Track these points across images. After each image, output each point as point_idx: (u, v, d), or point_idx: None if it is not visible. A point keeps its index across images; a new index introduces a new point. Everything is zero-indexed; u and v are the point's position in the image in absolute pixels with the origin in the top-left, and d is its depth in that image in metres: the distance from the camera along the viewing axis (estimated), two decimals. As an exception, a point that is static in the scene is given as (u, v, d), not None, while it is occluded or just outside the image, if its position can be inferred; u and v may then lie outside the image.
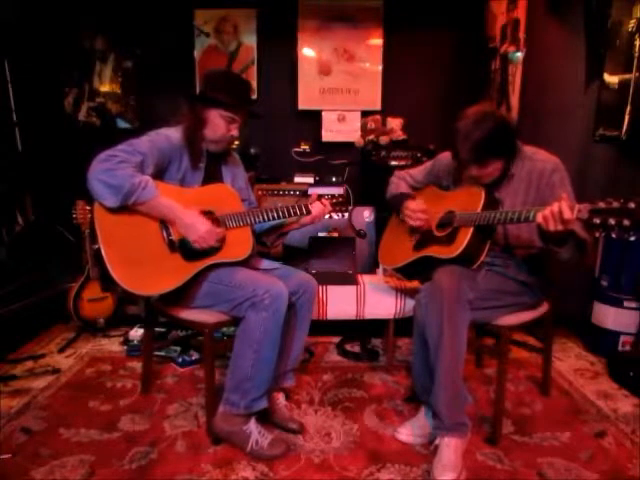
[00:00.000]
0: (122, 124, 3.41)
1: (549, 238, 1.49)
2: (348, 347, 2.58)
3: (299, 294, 1.85)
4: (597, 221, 1.29)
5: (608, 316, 2.43)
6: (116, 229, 1.64)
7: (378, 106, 3.35)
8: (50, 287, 2.78)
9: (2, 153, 2.97)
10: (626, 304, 2.37)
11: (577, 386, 2.19)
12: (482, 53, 3.20)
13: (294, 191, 2.88)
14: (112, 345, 2.60)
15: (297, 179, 2.99)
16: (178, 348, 2.44)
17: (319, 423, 1.88)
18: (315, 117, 3.39)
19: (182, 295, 1.73)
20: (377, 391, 2.14)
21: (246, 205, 1.93)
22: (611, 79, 2.44)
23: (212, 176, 1.86)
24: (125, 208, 1.61)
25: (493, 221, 1.61)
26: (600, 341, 2.48)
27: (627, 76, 2.33)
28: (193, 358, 2.38)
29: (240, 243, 1.76)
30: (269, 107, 3.26)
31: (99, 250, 1.63)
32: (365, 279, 2.41)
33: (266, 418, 1.82)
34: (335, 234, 2.64)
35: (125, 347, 2.52)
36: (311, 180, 2.96)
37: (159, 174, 1.71)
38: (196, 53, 3.34)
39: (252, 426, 1.70)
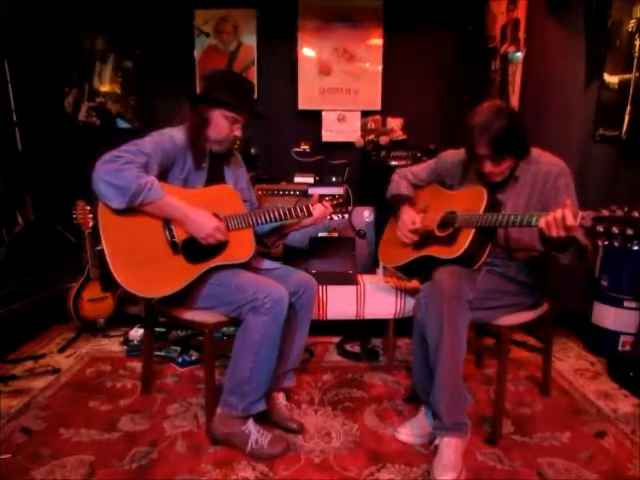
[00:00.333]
0: (122, 124, 3.41)
1: (550, 243, 1.48)
2: (348, 347, 2.58)
3: (299, 294, 1.85)
4: (600, 229, 1.28)
5: (608, 316, 2.43)
6: (120, 230, 1.64)
7: (378, 106, 3.35)
8: (50, 287, 2.78)
9: (2, 153, 2.97)
10: (626, 304, 2.37)
11: (577, 386, 2.19)
12: (482, 53, 3.20)
13: (294, 191, 2.88)
14: (112, 345, 2.60)
15: (297, 179, 2.99)
16: (178, 348, 2.44)
17: (319, 423, 1.88)
18: (315, 117, 3.39)
19: (183, 297, 1.73)
20: (377, 391, 2.14)
21: (247, 206, 1.93)
22: (611, 79, 2.44)
23: (215, 177, 1.86)
24: (129, 209, 1.61)
25: (495, 223, 1.60)
26: (600, 341, 2.48)
27: (627, 76, 2.33)
28: (193, 358, 2.38)
29: (242, 245, 1.76)
30: (269, 107, 3.26)
31: (102, 251, 1.63)
32: (365, 279, 2.41)
33: (266, 418, 1.82)
34: (335, 234, 2.64)
35: (125, 347, 2.52)
36: (311, 180, 2.96)
37: (163, 174, 1.71)
38: (196, 53, 3.34)
39: (251, 426, 1.70)
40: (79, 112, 3.37)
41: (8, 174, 2.98)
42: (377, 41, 3.31)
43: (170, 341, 2.47)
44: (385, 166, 2.85)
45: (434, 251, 1.81)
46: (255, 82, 3.33)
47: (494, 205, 1.71)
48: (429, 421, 1.75)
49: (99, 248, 1.64)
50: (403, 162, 2.85)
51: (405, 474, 1.60)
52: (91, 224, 2.56)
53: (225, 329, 2.48)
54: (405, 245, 1.97)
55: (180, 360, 2.36)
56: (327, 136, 3.39)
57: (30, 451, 1.68)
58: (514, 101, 2.83)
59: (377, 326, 2.47)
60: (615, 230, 1.25)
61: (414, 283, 2.28)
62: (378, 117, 3.19)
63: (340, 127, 3.39)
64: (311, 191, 2.78)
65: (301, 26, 3.28)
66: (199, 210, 1.68)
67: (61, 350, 2.51)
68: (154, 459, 1.65)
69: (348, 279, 2.36)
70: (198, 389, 2.11)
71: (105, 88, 3.38)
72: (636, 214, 1.23)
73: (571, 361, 2.46)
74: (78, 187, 2.50)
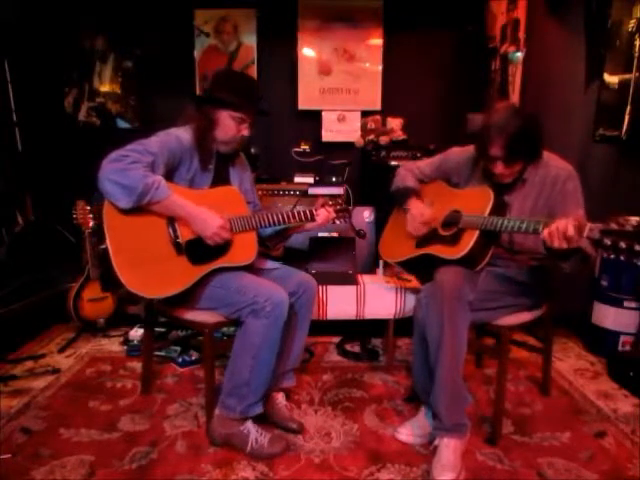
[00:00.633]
0: (122, 124, 3.41)
1: (553, 252, 1.46)
2: (348, 347, 2.58)
3: (299, 294, 1.85)
4: (608, 242, 1.26)
5: (608, 316, 2.43)
6: (124, 230, 1.64)
7: (378, 106, 3.35)
8: (50, 287, 2.78)
9: (2, 153, 2.97)
10: (626, 304, 2.37)
11: (577, 386, 2.19)
12: (482, 53, 3.20)
13: (294, 191, 2.88)
14: (112, 345, 2.60)
15: (297, 179, 2.98)
16: (178, 348, 2.44)
17: (319, 423, 1.88)
18: (315, 117, 3.39)
19: (184, 298, 1.73)
20: (377, 391, 2.14)
21: (251, 208, 1.93)
22: (611, 79, 2.44)
23: (220, 178, 1.86)
24: (135, 209, 1.60)
25: (500, 228, 1.59)
26: (600, 341, 2.48)
27: (627, 76, 2.33)
28: (193, 358, 2.38)
29: (245, 247, 1.76)
30: (269, 107, 3.25)
31: (106, 250, 1.63)
32: (365, 279, 2.41)
33: (265, 418, 1.82)
34: (335, 234, 2.64)
35: (125, 347, 2.52)
36: (311, 180, 2.96)
37: (169, 174, 1.70)
38: (196, 53, 3.34)
39: (249, 426, 1.70)
40: (79, 112, 3.37)
41: (8, 174, 2.99)
42: (377, 41, 3.31)
43: (170, 341, 2.47)
44: (385, 166, 2.85)
45: (436, 250, 1.80)
46: (255, 82, 3.34)
47: (500, 207, 1.70)
48: (429, 421, 1.75)
49: (103, 247, 1.64)
50: (403, 162, 2.84)
51: (405, 474, 1.60)
52: (91, 224, 2.56)
53: (225, 329, 2.48)
54: (407, 241, 1.95)
55: (180, 360, 2.36)
56: (327, 136, 3.40)
57: (30, 451, 1.68)
58: (514, 101, 2.83)
59: (377, 326, 2.47)
60: (622, 245, 1.23)
61: (414, 283, 2.28)
62: (378, 117, 3.19)
63: (340, 127, 3.39)
64: (311, 191, 2.79)
65: (301, 26, 3.28)
66: (205, 209, 1.68)
67: (61, 350, 2.51)
68: (154, 459, 1.65)
69: (348, 279, 2.36)
70: (198, 389, 2.11)
71: (105, 88, 3.38)
72: None
73: (571, 361, 2.46)
74: (78, 187, 2.51)
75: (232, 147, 1.83)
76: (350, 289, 2.32)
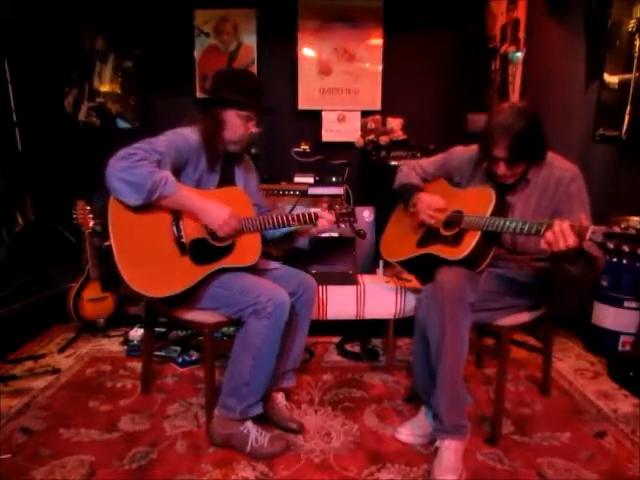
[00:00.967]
0: (122, 124, 3.40)
1: (557, 256, 1.44)
2: (348, 347, 2.58)
3: (299, 294, 1.86)
4: (611, 246, 1.25)
5: (608, 316, 2.43)
6: (129, 228, 1.64)
7: (378, 106, 3.35)
8: (50, 287, 2.78)
9: (2, 153, 2.97)
10: (626, 304, 2.37)
11: (577, 386, 2.19)
12: (482, 53, 3.20)
13: (294, 191, 2.88)
14: (112, 345, 2.60)
15: (297, 179, 2.99)
16: (178, 348, 2.44)
17: (319, 423, 1.88)
18: (315, 117, 3.39)
19: (186, 297, 1.73)
20: (377, 391, 2.14)
21: (256, 210, 1.93)
22: (611, 79, 2.44)
23: (227, 179, 1.86)
24: (139, 208, 1.61)
25: (502, 229, 1.58)
26: (600, 341, 2.48)
27: (627, 76, 2.33)
28: (193, 358, 2.38)
29: (249, 249, 1.76)
30: (270, 106, 3.26)
31: (110, 247, 1.63)
32: (365, 279, 2.41)
33: (265, 418, 1.82)
34: (335, 234, 2.64)
35: (125, 347, 2.52)
36: (311, 180, 2.96)
37: (176, 174, 1.70)
38: (196, 53, 3.34)
39: (249, 425, 1.70)
40: (79, 112, 3.37)
41: (8, 174, 2.98)
42: (377, 41, 3.31)
43: (170, 341, 2.47)
44: (385, 166, 2.85)
45: (438, 250, 1.79)
46: (255, 82, 3.34)
47: (502, 208, 1.69)
48: (429, 421, 1.75)
49: (107, 244, 1.64)
50: (403, 162, 2.84)
51: (405, 474, 1.60)
52: (91, 224, 2.56)
53: (225, 329, 2.48)
54: (408, 241, 1.95)
55: (180, 360, 2.36)
56: (327, 136, 3.39)
57: (30, 451, 1.68)
58: (514, 101, 2.83)
59: (377, 326, 2.47)
60: (625, 248, 1.22)
61: (414, 283, 2.28)
62: (378, 117, 3.19)
63: (340, 127, 3.39)
64: (311, 191, 2.79)
65: (301, 26, 3.28)
66: (213, 201, 1.69)
67: (61, 350, 2.51)
68: (154, 459, 1.65)
69: (348, 279, 2.36)
70: (198, 389, 2.11)
71: (105, 88, 3.38)
72: None
73: (571, 361, 2.46)
74: (78, 187, 2.51)
75: (241, 146, 1.84)
76: (350, 289, 2.32)
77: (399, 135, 3.07)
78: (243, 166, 1.96)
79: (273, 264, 1.97)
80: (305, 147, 3.19)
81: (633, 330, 2.35)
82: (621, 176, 2.44)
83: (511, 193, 1.74)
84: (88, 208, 2.55)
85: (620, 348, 2.40)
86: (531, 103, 2.67)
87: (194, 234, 1.70)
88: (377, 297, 2.31)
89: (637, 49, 2.27)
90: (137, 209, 1.62)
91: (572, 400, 2.07)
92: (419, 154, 2.87)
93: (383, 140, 3.02)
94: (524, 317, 1.80)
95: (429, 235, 1.87)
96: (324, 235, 2.61)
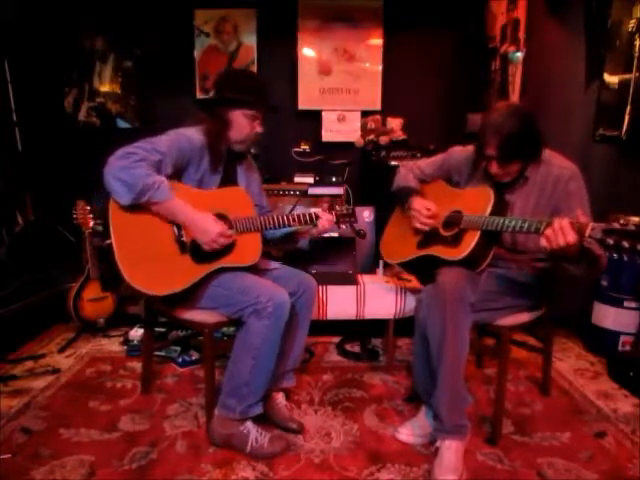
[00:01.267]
0: (122, 124, 3.40)
1: (558, 255, 1.43)
2: (348, 347, 2.58)
3: (299, 294, 1.85)
4: (610, 242, 1.25)
5: (608, 316, 2.43)
6: (130, 226, 1.64)
7: (378, 106, 3.35)
8: (50, 287, 2.78)
9: (2, 153, 2.97)
10: (626, 304, 2.37)
11: (577, 386, 2.19)
12: (482, 53, 3.20)
13: (294, 191, 2.88)
14: (112, 345, 2.60)
15: (297, 179, 2.99)
16: (178, 348, 2.44)
17: (319, 423, 1.88)
18: (315, 117, 3.39)
19: (186, 296, 1.73)
20: (377, 391, 2.14)
21: (257, 211, 1.93)
22: (611, 79, 2.44)
23: (229, 179, 1.86)
24: (140, 207, 1.61)
25: (502, 228, 1.58)
26: (600, 341, 2.48)
27: (627, 76, 2.33)
28: (193, 358, 2.38)
29: (249, 249, 1.76)
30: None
31: (110, 245, 1.63)
32: (365, 279, 2.41)
33: (265, 418, 1.82)
34: (335, 234, 2.64)
35: (125, 347, 2.52)
36: (311, 180, 2.96)
37: (177, 174, 1.71)
38: (196, 53, 3.34)
39: (249, 425, 1.70)
40: (79, 112, 3.37)
41: (8, 174, 2.98)
42: (377, 41, 3.31)
43: (170, 341, 2.47)
44: (385, 166, 2.85)
45: (438, 251, 1.79)
46: (255, 82, 3.34)
47: (501, 207, 1.69)
48: (429, 421, 1.75)
49: (108, 242, 1.64)
50: (403, 162, 2.83)
51: (405, 474, 1.60)
52: (91, 224, 2.56)
53: (225, 329, 2.48)
54: (408, 242, 1.95)
55: (180, 360, 2.36)
56: (327, 136, 3.39)
57: (30, 451, 1.68)
58: (514, 101, 2.83)
59: (377, 326, 2.47)
60: (625, 244, 1.22)
61: (414, 283, 2.28)
62: (378, 117, 3.19)
63: (340, 127, 3.39)
64: (311, 191, 2.79)
65: (301, 26, 3.28)
66: (205, 215, 1.68)
67: (61, 350, 2.51)
68: (154, 459, 1.65)
69: (348, 279, 2.36)
70: (198, 389, 2.11)
71: (105, 88, 3.38)
72: None
73: (571, 361, 2.46)
74: (78, 187, 2.51)
75: (247, 145, 1.85)
76: (350, 289, 2.32)
77: (399, 135, 3.07)
78: (246, 166, 1.96)
79: (273, 264, 1.97)
80: (305, 147, 3.19)
81: (633, 330, 2.35)
82: (621, 176, 2.44)
83: (510, 192, 1.74)
84: (88, 208, 2.56)
85: (620, 348, 2.40)
86: (531, 103, 2.71)
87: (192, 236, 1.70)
88: (377, 297, 2.31)
89: (637, 49, 2.27)
90: (138, 208, 1.62)
91: (572, 400, 2.07)
92: (419, 154, 2.87)
93: (383, 140, 3.02)
94: (524, 317, 1.80)
95: (429, 236, 1.87)
96: (324, 235, 2.61)
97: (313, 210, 1.87)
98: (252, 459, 1.66)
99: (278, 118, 3.29)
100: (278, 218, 1.79)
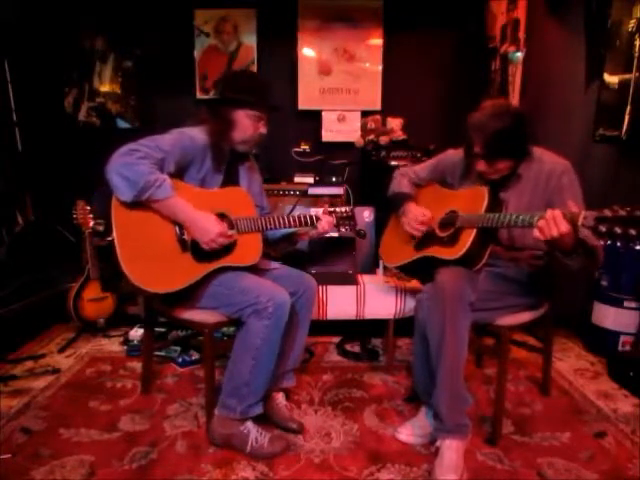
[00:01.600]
0: (122, 124, 3.41)
1: (553, 247, 1.45)
2: (348, 347, 2.58)
3: (299, 294, 1.86)
4: (603, 229, 1.25)
5: (608, 316, 2.43)
6: (131, 224, 1.64)
7: (378, 106, 3.35)
8: (50, 287, 2.78)
9: (2, 153, 2.97)
10: (626, 304, 2.37)
11: (577, 386, 2.19)
12: (482, 53, 3.20)
13: (294, 191, 2.88)
14: (112, 345, 2.60)
15: (297, 179, 2.99)
16: (178, 348, 2.44)
17: (319, 423, 1.88)
18: (315, 117, 3.39)
19: (186, 295, 1.73)
20: (377, 391, 2.14)
21: (258, 211, 1.93)
22: (611, 79, 2.44)
23: (231, 179, 1.87)
24: (142, 204, 1.61)
25: (497, 224, 1.59)
26: (600, 341, 2.48)
27: (627, 76, 2.33)
28: (193, 358, 2.38)
29: (250, 249, 1.76)
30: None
31: (112, 242, 1.63)
32: (365, 279, 2.41)
33: (265, 418, 1.82)
34: (335, 234, 2.64)
35: (125, 347, 2.52)
36: (311, 180, 2.96)
37: (179, 173, 1.71)
38: (196, 53, 3.34)
39: (249, 425, 1.70)
40: (79, 112, 3.37)
41: (8, 174, 2.99)
42: (377, 41, 3.31)
43: (170, 341, 2.47)
44: (385, 166, 2.85)
45: (435, 251, 1.80)
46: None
47: (495, 205, 1.70)
48: (429, 421, 1.75)
49: (109, 238, 1.63)
50: (403, 162, 2.84)
51: (405, 474, 1.60)
52: (91, 224, 2.56)
53: (225, 329, 2.48)
54: (406, 245, 1.97)
55: (180, 360, 2.36)
56: (327, 136, 3.40)
57: (30, 451, 1.68)
58: (514, 101, 2.83)
59: (377, 326, 2.47)
60: (618, 230, 1.23)
61: (414, 283, 2.28)
62: (378, 117, 3.19)
63: (340, 127, 3.39)
64: (311, 191, 2.79)
65: (301, 26, 3.28)
66: (206, 215, 1.68)
67: (61, 350, 2.51)
68: (154, 459, 1.65)
69: (348, 279, 2.36)
70: (198, 389, 2.11)
71: (105, 88, 3.38)
72: (639, 213, 1.21)
73: (571, 361, 2.46)
74: (78, 187, 2.51)
75: (250, 145, 1.86)
76: (350, 289, 2.32)
77: (399, 135, 3.07)
78: (248, 167, 1.97)
79: (273, 264, 1.97)
80: (305, 147, 3.20)
81: (633, 330, 2.35)
82: (621, 176, 2.44)
83: (504, 190, 1.76)
84: (88, 208, 2.55)
85: (620, 348, 2.40)
86: (531, 103, 2.72)
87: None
88: (377, 297, 2.31)
89: (637, 49, 2.27)
90: (140, 206, 1.62)
91: (572, 400, 2.07)
92: (419, 154, 2.87)
93: (383, 140, 3.02)
94: (524, 317, 1.80)
95: (426, 238, 1.89)
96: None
97: (313, 211, 1.87)
98: (252, 459, 1.66)
99: (278, 118, 3.30)
100: (278, 219, 1.80)
